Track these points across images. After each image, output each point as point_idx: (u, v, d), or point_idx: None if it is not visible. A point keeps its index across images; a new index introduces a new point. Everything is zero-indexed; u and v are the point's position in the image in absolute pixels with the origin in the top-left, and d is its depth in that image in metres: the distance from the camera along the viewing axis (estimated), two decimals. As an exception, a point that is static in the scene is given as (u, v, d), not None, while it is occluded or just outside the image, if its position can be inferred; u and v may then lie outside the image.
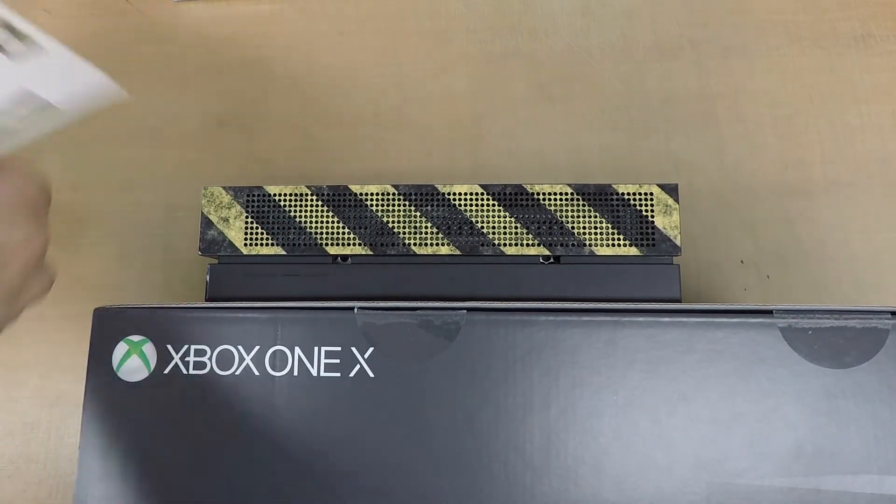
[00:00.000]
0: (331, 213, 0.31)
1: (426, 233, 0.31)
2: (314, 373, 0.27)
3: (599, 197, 0.31)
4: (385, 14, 0.45)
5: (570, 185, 0.31)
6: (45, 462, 0.38)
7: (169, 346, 0.27)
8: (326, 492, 0.26)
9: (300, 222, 0.31)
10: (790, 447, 0.25)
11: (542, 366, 0.26)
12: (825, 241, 0.40)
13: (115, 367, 0.27)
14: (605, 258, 0.31)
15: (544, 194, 0.31)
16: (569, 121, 0.42)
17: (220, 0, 0.45)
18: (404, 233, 0.31)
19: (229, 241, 0.31)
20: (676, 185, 0.31)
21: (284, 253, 0.31)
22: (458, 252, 0.31)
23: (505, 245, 0.31)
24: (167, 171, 0.42)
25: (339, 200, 0.31)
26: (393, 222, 0.31)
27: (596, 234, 0.31)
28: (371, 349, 0.27)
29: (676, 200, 0.31)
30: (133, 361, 0.27)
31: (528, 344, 0.27)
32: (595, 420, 0.26)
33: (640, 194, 0.31)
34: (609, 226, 0.31)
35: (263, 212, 0.31)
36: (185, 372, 0.27)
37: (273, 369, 0.27)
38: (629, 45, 0.44)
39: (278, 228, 0.31)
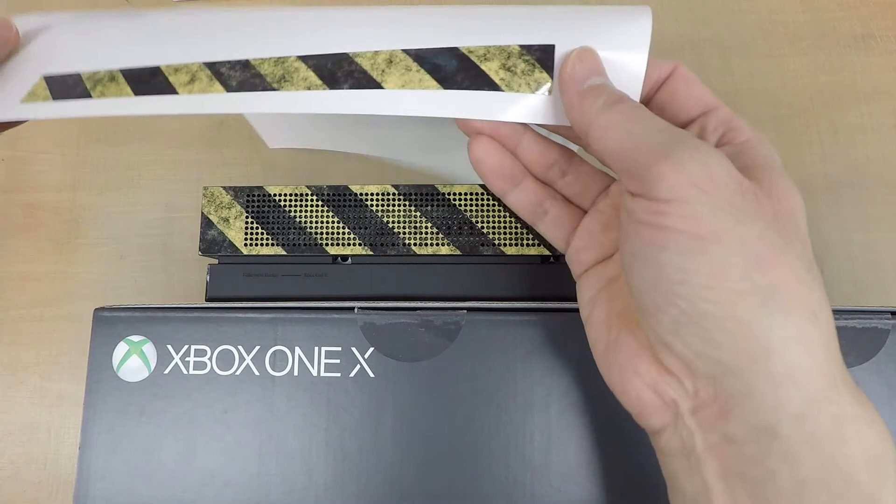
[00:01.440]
0: (331, 213, 0.31)
1: (426, 233, 0.31)
2: (314, 373, 0.27)
3: (599, 197, 0.31)
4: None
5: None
6: (45, 462, 0.38)
7: (169, 346, 0.27)
8: (326, 492, 0.26)
9: (300, 222, 0.31)
10: (790, 447, 0.25)
11: (542, 366, 0.26)
12: (825, 241, 0.40)
13: (115, 367, 0.27)
14: (605, 258, 0.31)
15: (544, 194, 0.31)
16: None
17: (220, 0, 0.45)
18: (404, 233, 0.31)
19: (229, 241, 0.31)
20: (676, 185, 0.31)
21: (284, 253, 0.31)
22: (458, 252, 0.31)
23: (505, 245, 0.31)
24: (167, 171, 0.42)
25: (339, 200, 0.31)
26: (393, 222, 0.31)
27: (596, 234, 0.31)
28: (371, 349, 0.27)
29: (676, 200, 0.31)
30: (133, 361, 0.27)
31: (528, 344, 0.27)
32: (596, 420, 0.26)
33: (640, 194, 0.31)
34: (609, 226, 0.31)
35: (264, 212, 0.31)
36: (185, 372, 0.27)
37: (273, 369, 0.27)
38: (629, 45, 0.44)
39: (278, 228, 0.31)
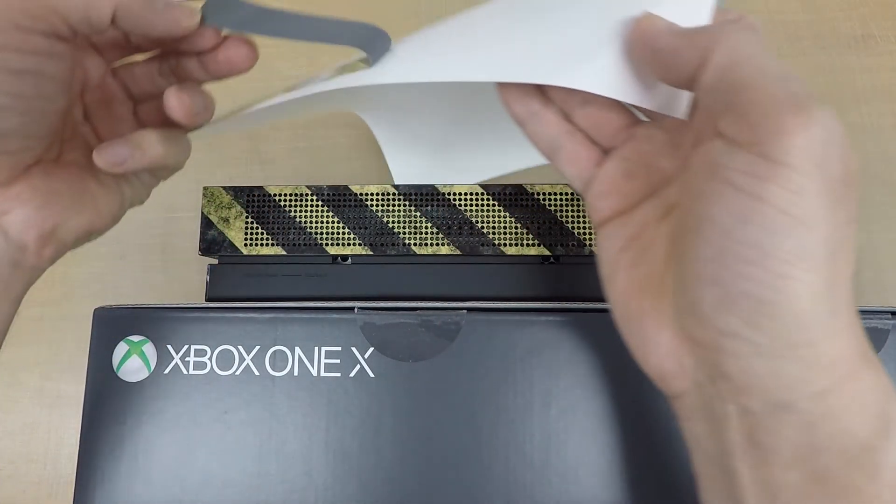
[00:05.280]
0: (331, 213, 0.31)
1: (426, 233, 0.31)
2: (314, 373, 0.27)
3: (599, 197, 0.31)
4: (387, 15, 0.45)
5: (570, 184, 0.31)
6: (45, 462, 0.38)
7: (169, 346, 0.27)
8: (326, 492, 0.26)
9: (300, 222, 0.31)
10: (790, 447, 0.25)
11: (542, 366, 0.26)
12: (825, 241, 0.40)
13: (115, 367, 0.27)
14: (605, 258, 0.31)
15: (544, 194, 0.31)
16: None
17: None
18: (404, 233, 0.31)
19: (229, 241, 0.31)
20: (676, 185, 0.31)
21: (284, 253, 0.31)
22: (458, 252, 0.31)
23: (505, 245, 0.31)
24: (167, 171, 0.42)
25: (340, 200, 0.31)
26: (393, 222, 0.31)
27: (596, 234, 0.31)
28: (371, 349, 0.27)
29: (676, 200, 0.31)
30: (133, 361, 0.27)
31: (528, 344, 0.27)
32: (595, 420, 0.26)
33: (640, 194, 0.31)
34: (609, 226, 0.31)
35: (263, 212, 0.31)
36: (185, 372, 0.27)
37: (273, 369, 0.27)
38: (629, 45, 0.44)
39: (278, 228, 0.31)
